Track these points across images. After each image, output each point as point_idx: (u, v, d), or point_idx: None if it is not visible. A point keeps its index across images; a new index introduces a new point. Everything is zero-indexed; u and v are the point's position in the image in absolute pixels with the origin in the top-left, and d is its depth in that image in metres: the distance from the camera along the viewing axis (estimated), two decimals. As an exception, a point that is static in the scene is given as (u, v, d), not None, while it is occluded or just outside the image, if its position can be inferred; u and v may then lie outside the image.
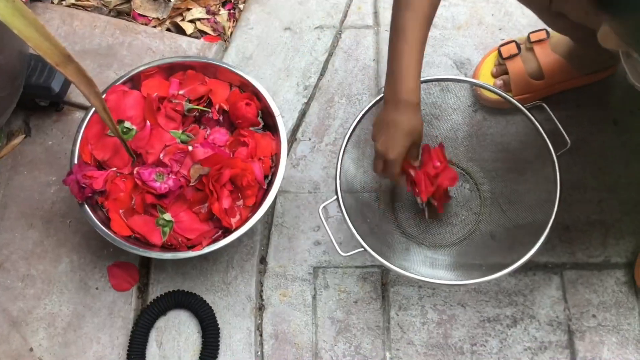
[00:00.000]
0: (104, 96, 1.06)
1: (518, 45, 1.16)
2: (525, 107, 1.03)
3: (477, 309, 1.08)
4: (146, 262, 1.12)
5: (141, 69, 1.09)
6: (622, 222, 1.11)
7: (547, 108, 1.02)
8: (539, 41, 1.15)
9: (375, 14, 1.31)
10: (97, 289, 1.12)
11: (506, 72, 1.16)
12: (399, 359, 1.06)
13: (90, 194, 1.02)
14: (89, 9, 1.34)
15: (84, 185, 1.02)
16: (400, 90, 0.93)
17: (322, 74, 1.26)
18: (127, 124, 1.06)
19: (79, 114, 1.22)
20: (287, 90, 1.25)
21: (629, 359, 1.04)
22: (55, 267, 1.13)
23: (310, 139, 1.21)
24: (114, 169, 1.04)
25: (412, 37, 0.91)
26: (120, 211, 1.03)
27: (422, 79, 1.06)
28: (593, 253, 1.10)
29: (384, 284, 1.10)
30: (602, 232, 1.11)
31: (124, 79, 1.09)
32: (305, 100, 1.24)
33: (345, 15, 1.31)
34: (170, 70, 1.11)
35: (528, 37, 1.16)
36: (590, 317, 1.06)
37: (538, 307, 1.07)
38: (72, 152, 1.05)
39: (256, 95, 1.10)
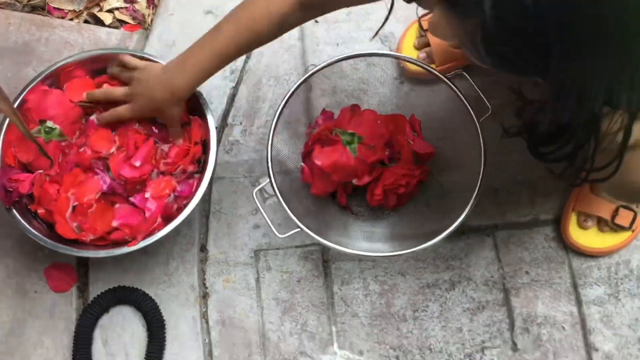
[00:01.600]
0: (22, 96, 1.04)
1: (437, 16, 1.18)
2: (447, 78, 1.06)
3: (416, 276, 1.11)
4: (84, 261, 1.11)
5: (60, 64, 1.06)
6: (548, 179, 1.15)
7: (467, 76, 1.05)
8: (457, 10, 1.17)
9: (297, -8, 1.31)
10: (35, 292, 1.10)
11: (428, 44, 1.18)
12: (344, 332, 1.08)
13: (17, 198, 1.00)
14: (2, 6, 1.28)
15: (11, 190, 0.99)
16: (183, 89, 0.99)
17: (248, 57, 1.26)
18: (49, 123, 1.03)
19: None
20: (214, 76, 1.23)
21: (563, 310, 1.09)
22: (-10, 274, 1.10)
23: (241, 123, 1.21)
24: (40, 171, 1.02)
25: (222, 50, 0.96)
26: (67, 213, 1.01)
27: (350, 55, 1.08)
28: (522, 212, 1.14)
29: (325, 261, 1.12)
30: (530, 192, 1.15)
31: (42, 76, 1.05)
32: (233, 85, 1.24)
33: (266, -4, 1.30)
34: (91, 64, 1.09)
35: (446, 7, 1.18)
36: (524, 274, 1.11)
37: (474, 269, 1.11)
38: (-6, 155, 1.02)
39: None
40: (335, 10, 1.01)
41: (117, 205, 1.02)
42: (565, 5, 0.56)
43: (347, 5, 0.95)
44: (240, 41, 0.96)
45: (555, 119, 0.68)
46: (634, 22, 0.58)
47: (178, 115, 1.03)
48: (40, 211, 1.01)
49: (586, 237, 1.11)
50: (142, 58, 1.07)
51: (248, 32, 0.96)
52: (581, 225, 1.11)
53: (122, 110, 1.03)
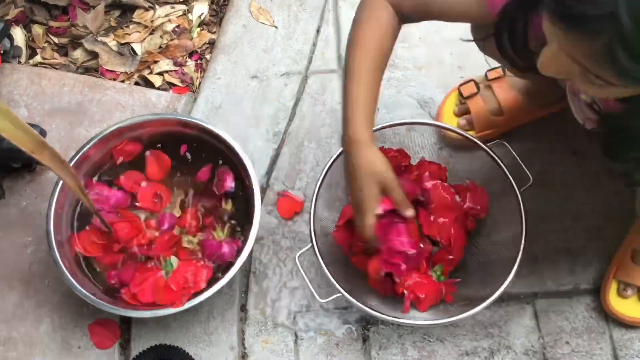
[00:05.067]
0: (77, 158, 1.08)
1: (477, 84, 1.20)
2: (487, 146, 1.08)
3: (455, 343, 1.11)
4: (127, 318, 1.13)
5: (112, 129, 1.11)
6: (588, 248, 1.16)
7: (508, 145, 1.07)
8: (497, 79, 1.20)
9: (339, 58, 1.35)
10: (79, 347, 1.12)
11: (468, 111, 1.21)
12: (382, 398, 1.08)
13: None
14: (57, 67, 1.35)
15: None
16: (354, 131, 0.91)
17: (290, 120, 1.30)
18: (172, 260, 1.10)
19: (52, 174, 1.23)
20: (257, 138, 1.28)
21: (604, 382, 1.08)
22: (37, 328, 1.13)
23: (282, 185, 1.24)
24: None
25: (364, 80, 0.92)
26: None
27: (389, 124, 1.11)
28: (562, 281, 1.14)
29: (363, 326, 1.13)
30: (570, 260, 1.15)
31: (95, 140, 1.10)
32: (276, 147, 1.27)
33: (310, 61, 1.35)
34: (139, 129, 1.13)
35: (486, 75, 1.21)
36: (564, 344, 1.10)
37: (513, 337, 1.11)
38: (48, 215, 1.06)
39: (225, 144, 1.13)
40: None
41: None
42: None
43: (440, 19, 0.94)
44: (375, 66, 0.93)
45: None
46: None
47: (380, 159, 0.93)
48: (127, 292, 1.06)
49: (626, 306, 1.10)
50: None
51: (377, 53, 0.93)
52: (621, 294, 1.10)
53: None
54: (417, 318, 1.02)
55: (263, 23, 1.39)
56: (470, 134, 1.12)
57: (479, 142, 1.08)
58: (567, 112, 1.23)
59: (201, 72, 1.36)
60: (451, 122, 1.23)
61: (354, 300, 0.99)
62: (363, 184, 0.91)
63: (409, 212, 0.94)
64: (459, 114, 1.22)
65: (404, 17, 0.94)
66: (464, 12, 0.90)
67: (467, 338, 1.11)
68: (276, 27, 1.39)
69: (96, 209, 0.99)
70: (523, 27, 0.79)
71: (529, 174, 1.04)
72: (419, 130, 1.19)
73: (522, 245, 1.02)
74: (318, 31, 1.38)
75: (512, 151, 1.07)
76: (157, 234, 1.10)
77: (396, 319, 0.99)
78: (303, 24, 1.39)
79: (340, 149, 1.10)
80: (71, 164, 1.08)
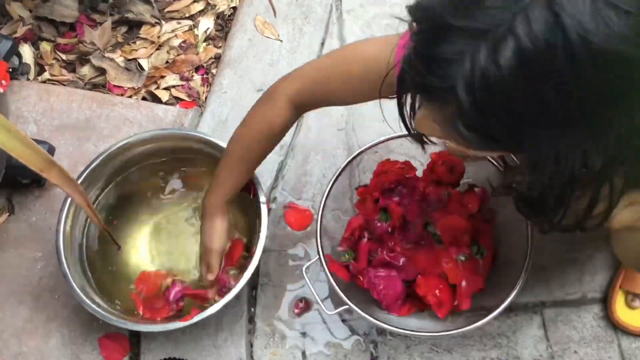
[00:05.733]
0: (86, 173, 1.10)
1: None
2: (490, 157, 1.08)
3: (463, 353, 1.11)
4: (136, 332, 1.14)
5: (120, 144, 1.12)
6: (595, 258, 1.16)
7: (512, 155, 1.07)
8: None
9: (344, 70, 1.36)
10: (89, 361, 1.13)
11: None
12: (391, 409, 1.08)
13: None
14: (65, 84, 1.37)
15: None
16: (209, 200, 1.08)
17: (296, 132, 1.30)
18: None
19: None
20: (263, 150, 1.28)
21: (613, 391, 1.08)
22: (47, 342, 1.14)
23: (288, 197, 1.24)
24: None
25: (238, 170, 1.07)
26: None
27: (393, 136, 1.12)
28: (570, 290, 1.14)
29: (371, 337, 1.13)
30: (577, 270, 1.15)
31: (104, 155, 1.11)
32: (282, 159, 1.28)
33: (315, 74, 1.36)
34: (149, 143, 1.15)
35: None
36: (572, 354, 1.10)
37: (522, 347, 1.11)
38: (57, 231, 1.07)
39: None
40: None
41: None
42: (529, 83, 0.58)
43: (338, 104, 1.04)
44: (250, 158, 1.06)
45: (532, 187, 0.73)
46: (595, 97, 0.59)
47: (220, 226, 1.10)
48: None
49: (633, 316, 1.10)
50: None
51: (256, 149, 1.05)
52: (629, 305, 1.10)
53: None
54: (425, 329, 1.02)
55: (268, 37, 1.40)
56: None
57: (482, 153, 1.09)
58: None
59: (207, 86, 1.37)
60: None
61: (361, 312, 1.00)
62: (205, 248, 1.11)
63: (209, 277, 1.10)
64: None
65: (301, 109, 1.01)
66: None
67: (475, 348, 1.11)
68: (281, 40, 1.40)
69: (104, 226, 1.00)
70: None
71: (535, 185, 1.04)
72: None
73: (528, 255, 1.02)
74: (322, 44, 1.40)
75: (516, 160, 1.07)
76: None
77: (404, 331, 1.00)
78: (307, 37, 1.40)
79: (347, 160, 1.12)
80: (80, 179, 1.09)
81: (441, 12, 0.61)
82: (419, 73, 0.63)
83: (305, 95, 0.98)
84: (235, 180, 1.07)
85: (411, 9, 0.65)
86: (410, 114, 0.79)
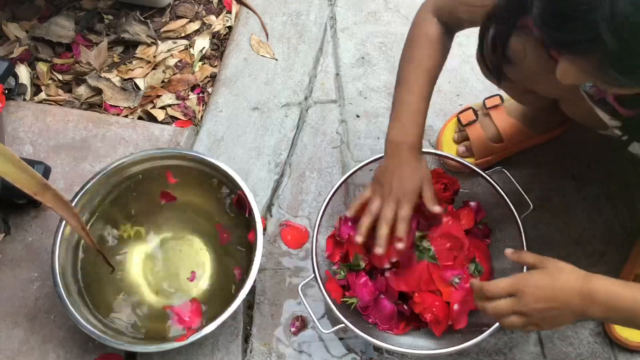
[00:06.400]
0: (80, 194, 1.10)
1: (475, 112, 1.22)
2: (487, 174, 1.08)
3: (460, 371, 1.10)
4: (132, 353, 1.13)
5: (116, 164, 1.13)
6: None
7: (508, 173, 1.08)
8: (495, 107, 1.21)
9: (338, 88, 1.37)
10: (85, 382, 1.12)
11: (467, 138, 1.22)
12: None
13: None
14: (61, 104, 1.37)
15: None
16: (398, 134, 0.97)
17: (291, 150, 1.31)
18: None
19: (57, 209, 1.25)
20: (259, 169, 1.29)
21: (611, 408, 1.07)
22: (42, 363, 1.14)
23: (284, 215, 1.25)
24: None
25: (415, 89, 0.97)
26: None
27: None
28: (566, 306, 1.14)
29: (368, 355, 1.12)
30: (573, 285, 1.15)
31: (100, 175, 1.12)
32: (277, 177, 1.28)
33: (310, 92, 1.37)
34: (144, 163, 1.15)
35: (484, 103, 1.22)
36: (570, 370, 1.10)
37: (519, 364, 1.11)
38: (53, 251, 1.07)
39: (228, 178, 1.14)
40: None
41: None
42: None
43: (472, 23, 0.97)
44: (425, 79, 0.99)
45: None
46: None
47: (425, 166, 1.00)
48: None
49: (630, 330, 1.10)
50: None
51: (428, 66, 0.99)
52: None
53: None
54: (421, 347, 1.02)
55: (263, 56, 1.41)
56: (469, 161, 1.14)
57: (478, 170, 1.09)
58: (564, 137, 1.25)
59: (203, 105, 1.37)
60: (451, 149, 1.24)
61: (358, 331, 0.99)
62: (409, 180, 0.97)
63: (436, 209, 0.98)
64: (458, 141, 1.24)
65: (449, 28, 0.99)
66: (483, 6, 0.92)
67: (472, 366, 1.11)
68: (276, 59, 1.41)
69: (98, 248, 1.00)
70: (507, 30, 0.84)
71: (529, 201, 1.05)
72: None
73: (524, 272, 1.02)
74: (317, 62, 1.41)
75: (512, 178, 1.07)
76: None
77: (401, 349, 0.99)
78: (302, 56, 1.41)
79: (342, 178, 1.12)
80: (75, 200, 1.09)
81: None
82: (558, 29, 0.63)
83: (441, 9, 0.97)
84: (423, 106, 0.98)
85: None
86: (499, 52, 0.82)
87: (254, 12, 0.76)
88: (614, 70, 0.63)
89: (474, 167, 1.10)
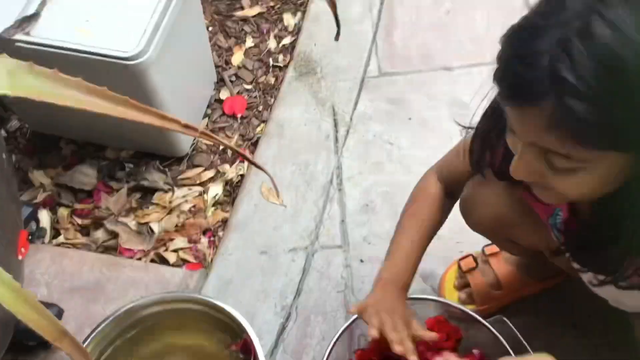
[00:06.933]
0: (92, 336, 1.12)
1: (475, 259, 1.26)
2: (488, 322, 1.11)
3: None
4: None
5: (126, 308, 1.16)
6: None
7: (508, 321, 1.10)
8: (494, 254, 1.26)
9: (343, 234, 1.43)
10: None
11: (468, 284, 1.25)
12: None
13: None
14: (79, 247, 1.44)
15: None
16: (387, 272, 1.04)
17: (297, 294, 1.34)
18: None
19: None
20: (265, 312, 1.32)
21: None
22: None
23: (289, 359, 1.26)
24: None
25: (411, 235, 1.05)
26: None
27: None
28: None
29: None
30: None
31: (110, 319, 1.15)
32: (283, 321, 1.31)
33: (316, 237, 1.43)
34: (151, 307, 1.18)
35: (483, 250, 1.27)
36: None
37: None
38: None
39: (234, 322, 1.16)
40: None
41: None
42: None
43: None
44: (422, 232, 1.06)
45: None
46: None
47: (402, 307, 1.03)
48: None
49: None
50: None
51: (425, 220, 1.07)
52: None
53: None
54: None
55: (273, 202, 1.49)
56: (470, 308, 1.16)
57: (479, 319, 1.12)
58: (565, 285, 1.28)
59: (214, 248, 1.43)
60: (452, 295, 1.27)
61: None
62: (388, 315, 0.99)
63: (398, 349, 0.96)
64: (459, 288, 1.27)
65: (448, 190, 1.08)
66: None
67: None
68: (285, 206, 1.48)
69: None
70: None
71: (530, 350, 1.06)
72: (424, 303, 1.23)
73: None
74: (324, 209, 1.48)
75: (512, 327, 1.09)
76: None
77: None
78: (310, 203, 1.48)
79: (346, 324, 1.14)
80: (86, 343, 1.12)
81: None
82: (516, 73, 0.65)
83: (441, 171, 1.07)
84: (416, 253, 1.05)
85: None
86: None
87: (264, 171, 0.83)
88: (576, 101, 0.62)
89: (475, 316, 1.13)
